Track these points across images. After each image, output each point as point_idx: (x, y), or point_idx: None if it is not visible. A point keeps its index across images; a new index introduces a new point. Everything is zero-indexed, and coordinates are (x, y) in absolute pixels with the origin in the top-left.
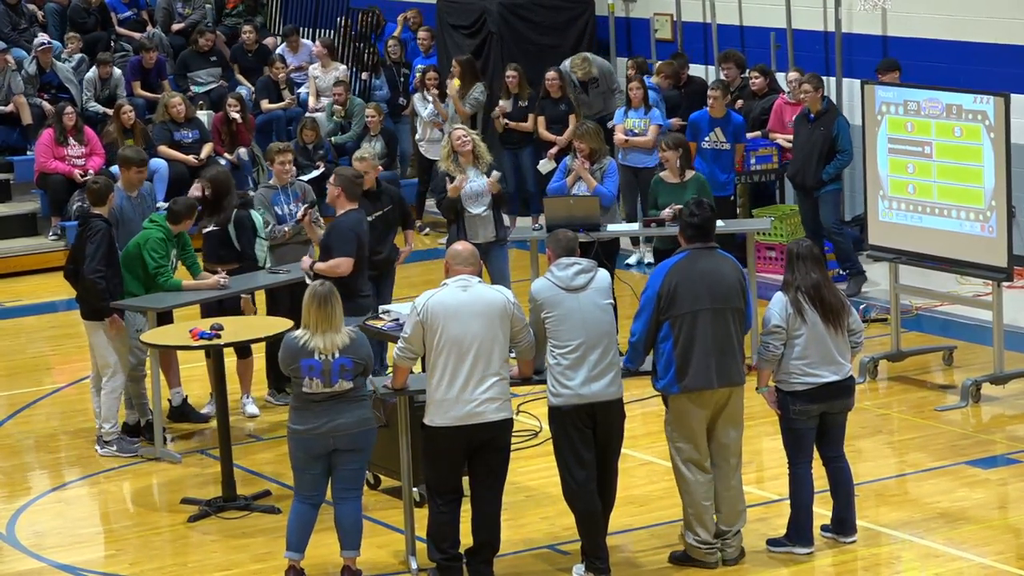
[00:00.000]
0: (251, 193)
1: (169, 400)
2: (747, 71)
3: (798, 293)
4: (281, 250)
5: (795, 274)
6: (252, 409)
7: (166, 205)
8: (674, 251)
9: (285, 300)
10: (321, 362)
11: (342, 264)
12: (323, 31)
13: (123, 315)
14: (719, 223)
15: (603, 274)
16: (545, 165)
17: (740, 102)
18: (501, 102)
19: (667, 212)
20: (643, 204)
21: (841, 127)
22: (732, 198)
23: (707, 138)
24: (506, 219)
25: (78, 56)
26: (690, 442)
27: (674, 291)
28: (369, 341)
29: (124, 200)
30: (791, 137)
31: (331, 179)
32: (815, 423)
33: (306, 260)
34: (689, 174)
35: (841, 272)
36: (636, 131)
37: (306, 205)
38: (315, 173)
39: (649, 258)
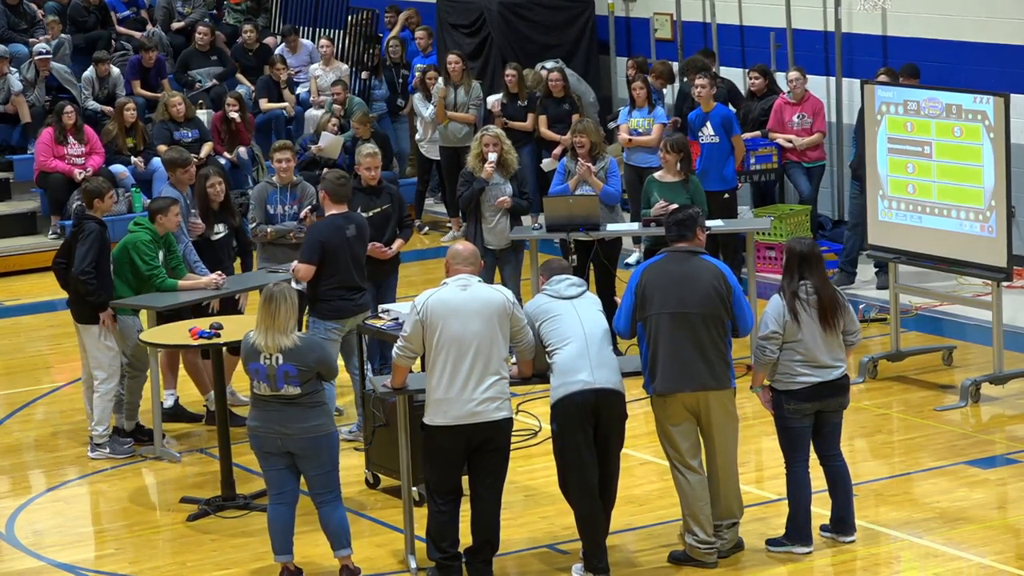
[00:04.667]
0: (249, 192)
1: (162, 402)
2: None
3: (795, 296)
4: (269, 251)
5: (793, 276)
6: (240, 398)
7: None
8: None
9: None
10: (265, 367)
11: (300, 270)
12: (323, 31)
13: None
14: (719, 223)
15: (593, 296)
16: (549, 164)
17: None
18: (490, 98)
19: (658, 207)
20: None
21: None
22: (726, 195)
23: (700, 133)
24: (528, 220)
25: (60, 38)
26: (675, 445)
27: (644, 291)
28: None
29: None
30: (791, 137)
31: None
32: (810, 421)
33: (292, 265)
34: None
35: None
36: (640, 130)
37: (308, 208)
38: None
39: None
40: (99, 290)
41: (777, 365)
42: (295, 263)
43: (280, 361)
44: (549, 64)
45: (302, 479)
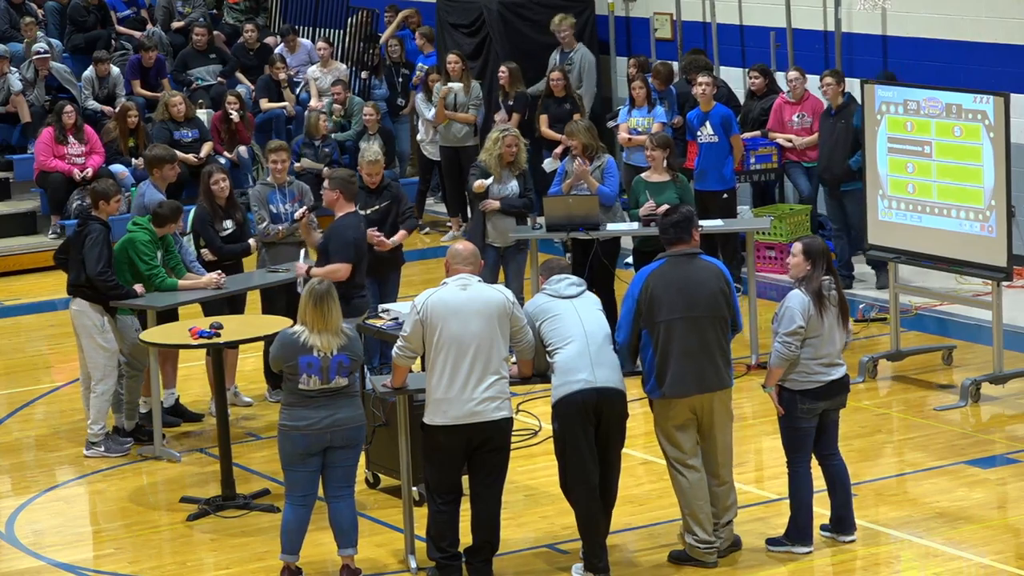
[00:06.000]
0: (249, 191)
1: (162, 401)
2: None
3: (820, 292)
4: (274, 249)
5: (815, 272)
6: (244, 398)
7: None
8: (655, 253)
9: (281, 299)
10: (320, 359)
11: (340, 270)
12: (323, 31)
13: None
14: (718, 223)
15: (593, 295)
16: (550, 164)
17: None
18: (498, 116)
19: (647, 207)
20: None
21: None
22: (725, 195)
23: (698, 132)
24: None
25: (38, 37)
26: (677, 445)
27: (651, 299)
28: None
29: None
30: (791, 136)
31: (325, 183)
32: (816, 421)
33: (301, 266)
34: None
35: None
36: (640, 130)
37: (305, 207)
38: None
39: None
40: (118, 285)
41: (796, 364)
42: (300, 264)
43: (335, 352)
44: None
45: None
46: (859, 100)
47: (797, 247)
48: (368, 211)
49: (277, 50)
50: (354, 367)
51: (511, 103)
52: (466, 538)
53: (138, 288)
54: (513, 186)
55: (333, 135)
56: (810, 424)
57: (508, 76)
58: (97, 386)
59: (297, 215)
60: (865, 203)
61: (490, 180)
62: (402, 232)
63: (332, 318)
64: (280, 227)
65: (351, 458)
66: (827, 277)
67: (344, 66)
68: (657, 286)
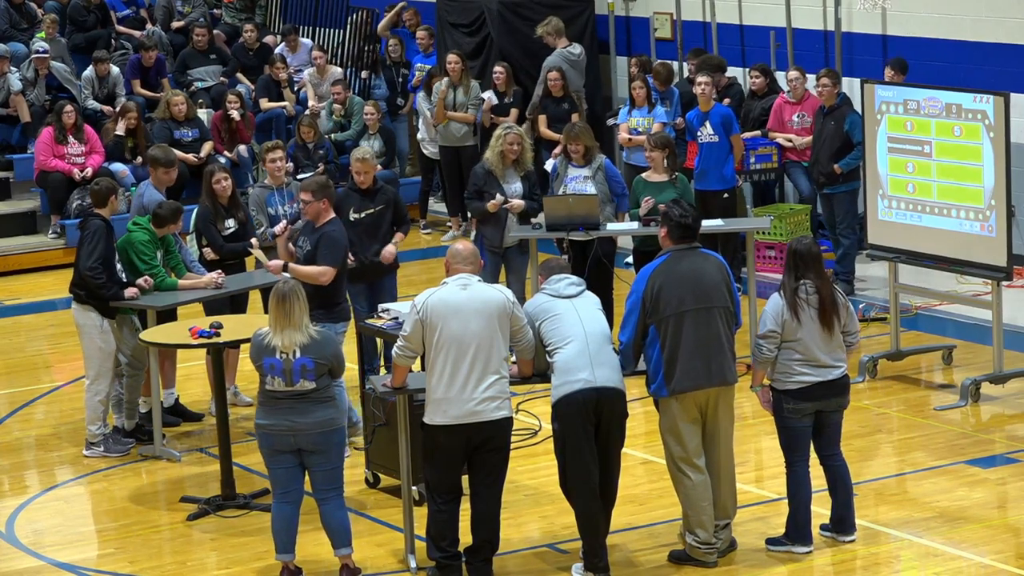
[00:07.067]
0: (249, 191)
1: (162, 401)
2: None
3: (795, 295)
4: (274, 252)
5: (793, 274)
6: (244, 398)
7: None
8: (655, 252)
9: None
10: (282, 361)
11: (326, 273)
12: (323, 30)
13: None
14: (718, 222)
15: (592, 295)
16: (552, 164)
17: (726, 100)
18: (485, 94)
19: (646, 203)
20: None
21: (853, 121)
22: (726, 195)
23: (699, 132)
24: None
25: (55, 38)
26: (683, 444)
27: (658, 294)
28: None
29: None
30: (791, 136)
31: (303, 195)
32: (810, 421)
33: (274, 264)
34: (670, 175)
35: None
36: (640, 130)
37: (285, 222)
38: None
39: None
40: (107, 284)
41: (776, 364)
42: (275, 263)
43: (297, 355)
44: (576, 49)
45: (306, 478)
46: (856, 101)
47: None
48: (361, 214)
49: (278, 50)
50: (320, 370)
51: (510, 100)
52: (466, 538)
53: (142, 282)
54: (516, 187)
55: (333, 135)
56: (802, 424)
57: (504, 76)
58: (91, 386)
59: (277, 230)
60: (853, 207)
61: (502, 200)
62: (399, 235)
63: (294, 316)
64: (277, 230)
65: (328, 463)
66: (805, 280)
67: (339, 69)
68: (663, 281)
